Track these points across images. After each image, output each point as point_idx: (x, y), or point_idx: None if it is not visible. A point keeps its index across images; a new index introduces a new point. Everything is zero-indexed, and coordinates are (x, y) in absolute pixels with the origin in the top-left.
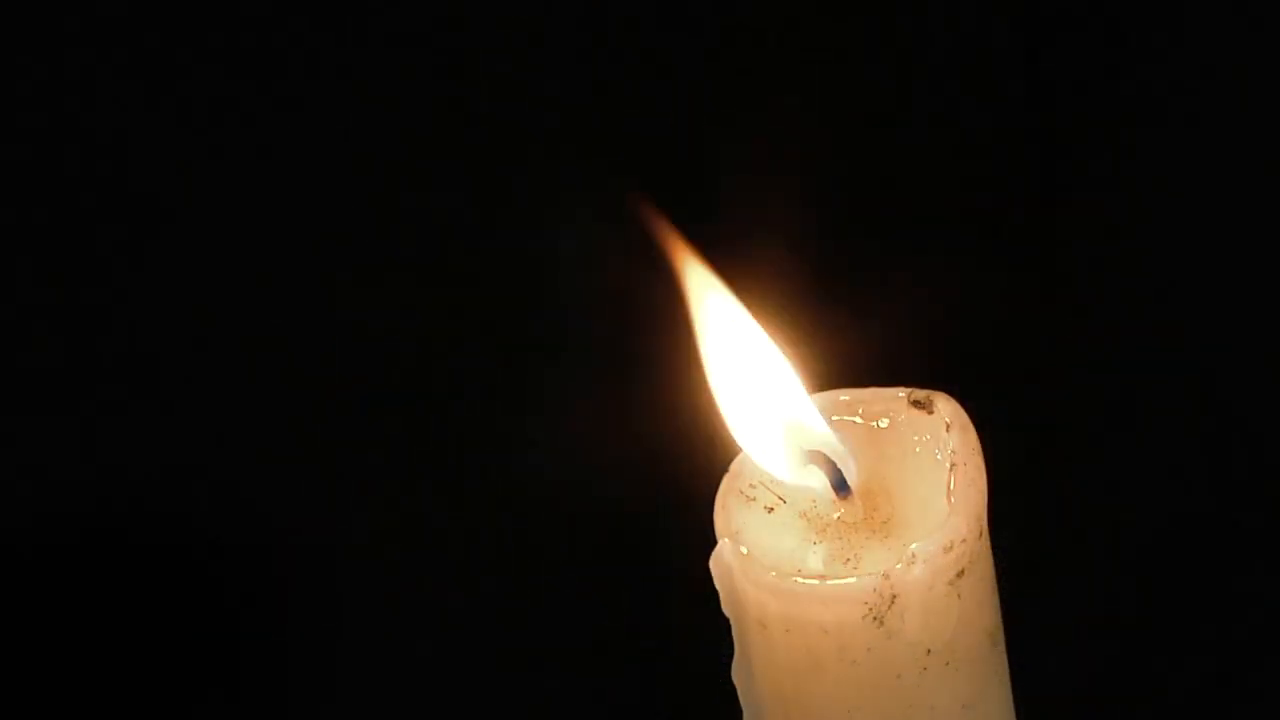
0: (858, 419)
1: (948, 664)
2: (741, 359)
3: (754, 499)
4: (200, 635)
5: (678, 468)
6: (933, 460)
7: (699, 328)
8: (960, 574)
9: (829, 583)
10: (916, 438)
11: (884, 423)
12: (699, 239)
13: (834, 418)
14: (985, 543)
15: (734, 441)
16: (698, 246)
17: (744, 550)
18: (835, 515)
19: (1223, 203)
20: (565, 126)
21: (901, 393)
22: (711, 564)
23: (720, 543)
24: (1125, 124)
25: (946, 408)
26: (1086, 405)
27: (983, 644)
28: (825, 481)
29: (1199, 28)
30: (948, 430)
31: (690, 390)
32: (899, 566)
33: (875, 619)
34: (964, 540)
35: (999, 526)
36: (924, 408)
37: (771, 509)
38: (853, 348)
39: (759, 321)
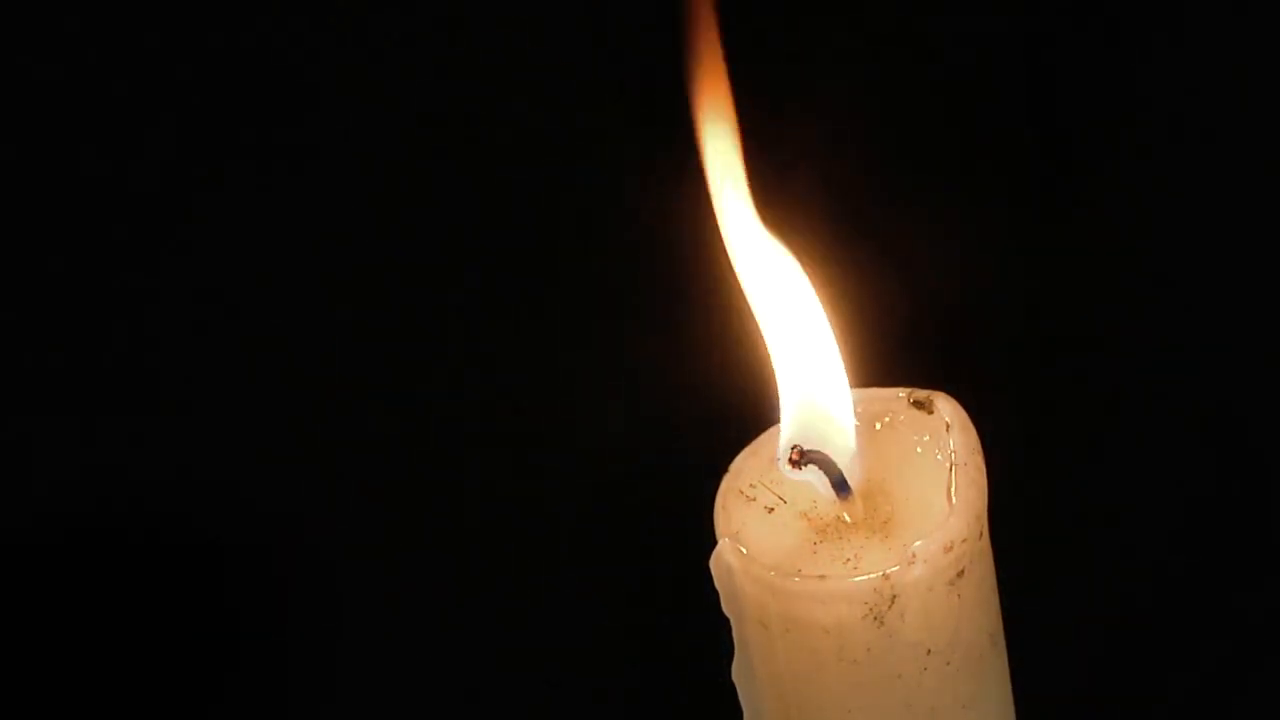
0: (857, 419)
1: (948, 664)
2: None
3: (754, 499)
4: (200, 635)
5: (678, 467)
6: (933, 460)
7: (752, 292)
8: (960, 574)
9: (829, 583)
10: (916, 438)
11: (884, 423)
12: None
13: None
14: (985, 543)
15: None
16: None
17: (744, 550)
18: (835, 515)
19: (1223, 203)
20: (563, 124)
21: (901, 393)
22: (711, 564)
23: (720, 543)
24: (1125, 124)
25: (946, 408)
26: (1086, 405)
27: (983, 644)
28: (825, 481)
29: (1199, 28)
30: (948, 430)
31: (689, 390)
32: (899, 567)
33: (875, 619)
34: (964, 540)
35: (999, 526)
36: (924, 408)
37: (771, 509)
38: (853, 348)
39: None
